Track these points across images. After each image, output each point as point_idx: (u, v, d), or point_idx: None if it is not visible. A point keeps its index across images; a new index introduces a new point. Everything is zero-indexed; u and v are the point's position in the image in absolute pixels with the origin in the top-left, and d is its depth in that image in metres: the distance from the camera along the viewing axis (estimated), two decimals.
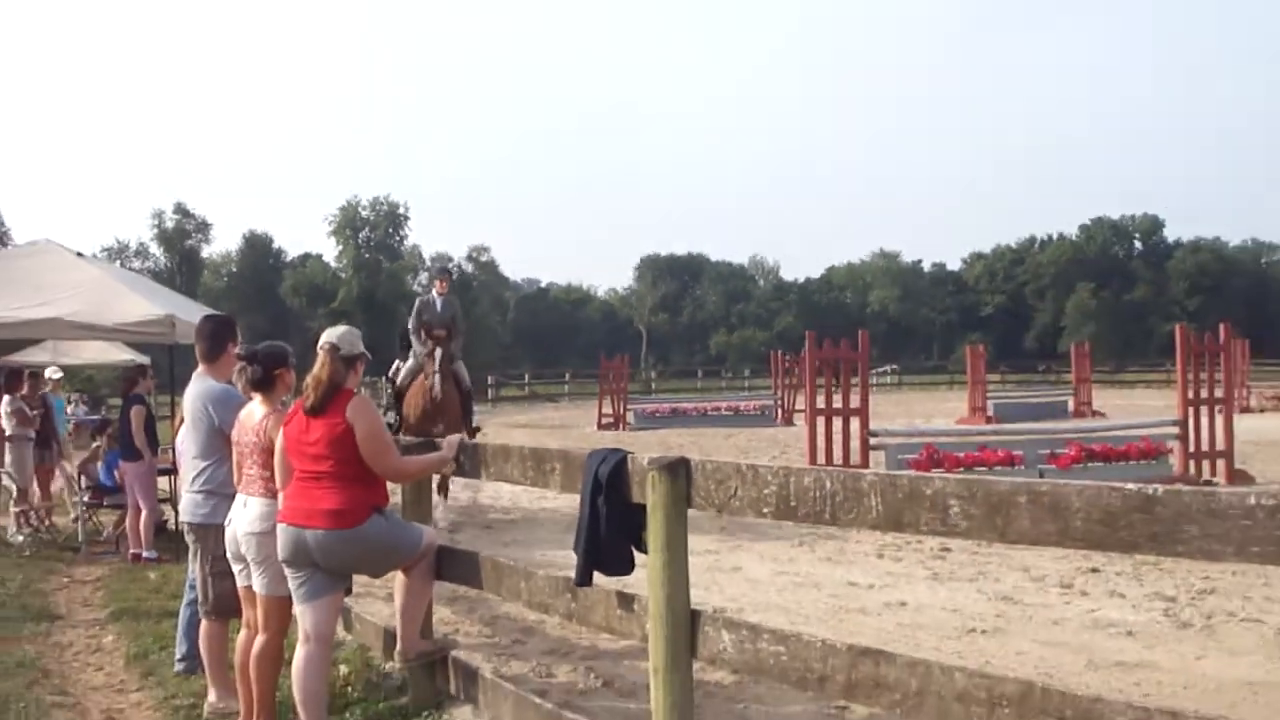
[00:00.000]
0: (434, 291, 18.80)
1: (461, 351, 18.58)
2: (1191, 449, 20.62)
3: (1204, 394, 20.94)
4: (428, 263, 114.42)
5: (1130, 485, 4.10)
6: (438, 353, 16.62)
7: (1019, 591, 11.88)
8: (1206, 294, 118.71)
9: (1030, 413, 39.25)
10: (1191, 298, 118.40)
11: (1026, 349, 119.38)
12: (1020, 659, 9.02)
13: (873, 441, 20.08)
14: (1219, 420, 20.89)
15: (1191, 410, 20.76)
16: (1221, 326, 23.15)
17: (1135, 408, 40.43)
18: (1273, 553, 3.70)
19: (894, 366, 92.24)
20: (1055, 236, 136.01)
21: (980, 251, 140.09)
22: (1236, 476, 20.24)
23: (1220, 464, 20.63)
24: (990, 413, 39.81)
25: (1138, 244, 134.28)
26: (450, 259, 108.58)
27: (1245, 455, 22.06)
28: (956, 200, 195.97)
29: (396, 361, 19.48)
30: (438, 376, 16.51)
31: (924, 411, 45.34)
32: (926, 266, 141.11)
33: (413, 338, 18.05)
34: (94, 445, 17.84)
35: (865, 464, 19.15)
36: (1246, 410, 39.54)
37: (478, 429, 18.04)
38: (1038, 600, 11.48)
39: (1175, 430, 20.95)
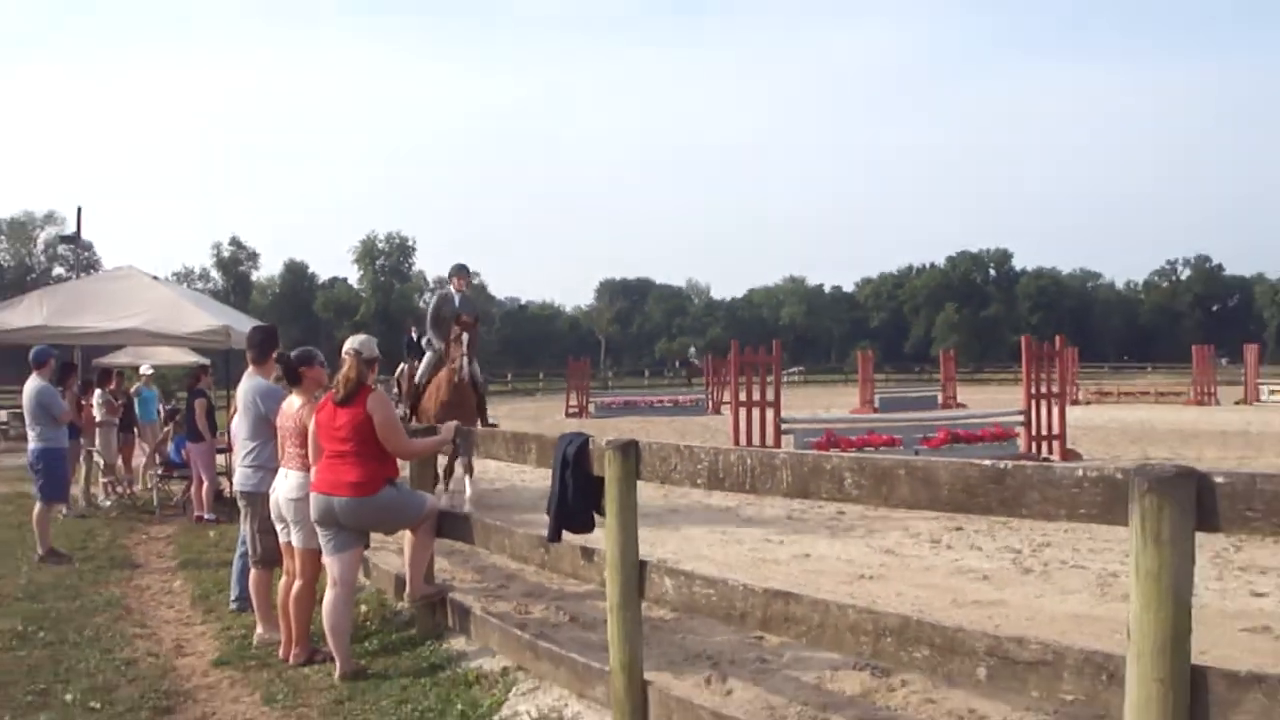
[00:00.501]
0: (451, 288, 15.24)
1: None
2: (1033, 433, 20.76)
3: (1043, 390, 21.07)
4: (430, 284, 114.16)
5: (986, 461, 4.13)
6: (465, 338, 13.59)
7: (899, 546, 11.92)
8: (1045, 311, 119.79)
9: (908, 405, 39.42)
10: (1034, 314, 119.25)
11: (905, 354, 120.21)
12: (900, 598, 9.05)
13: (784, 427, 20.17)
14: (1055, 410, 21.03)
15: (1033, 403, 20.89)
16: (1057, 337, 23.33)
17: (990, 401, 40.60)
18: (1096, 514, 3.73)
19: (800, 368, 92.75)
20: (928, 265, 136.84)
21: (869, 277, 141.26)
22: (1069, 454, 20.37)
23: (1056, 445, 20.77)
24: (876, 404, 39.95)
25: (992, 272, 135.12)
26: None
27: (1074, 438, 22.23)
28: (852, 234, 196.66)
29: (402, 365, 18.92)
30: (465, 359, 13.55)
31: (824, 404, 45.43)
32: (827, 288, 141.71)
33: (430, 332, 14.81)
34: (164, 430, 17.84)
35: (778, 445, 19.21)
36: (1075, 403, 39.86)
37: (494, 425, 14.46)
38: (913, 552, 11.53)
39: (1021, 418, 21.09)
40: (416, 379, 14.44)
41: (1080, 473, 3.81)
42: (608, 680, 5.88)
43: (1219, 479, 3.49)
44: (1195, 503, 3.49)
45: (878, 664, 6.50)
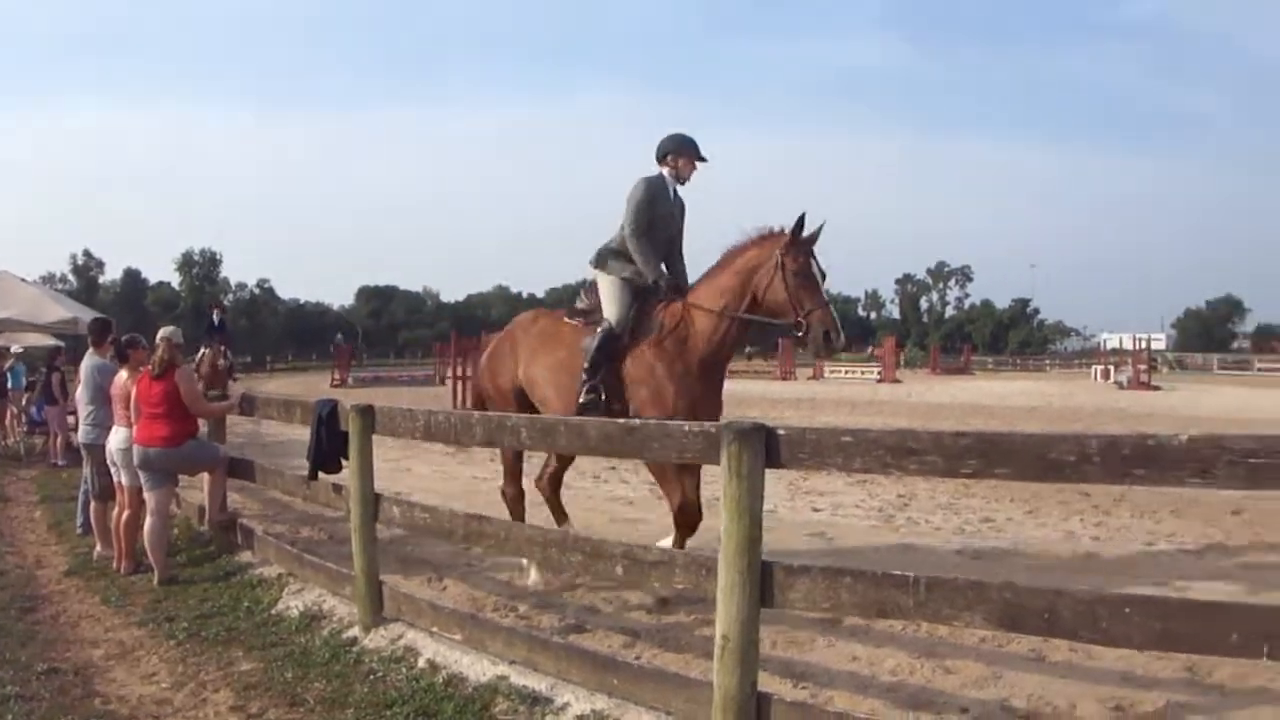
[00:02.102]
0: (665, 172, 6.10)
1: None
2: None
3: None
4: (232, 287, 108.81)
5: (622, 420, 4.18)
6: (815, 268, 5.59)
7: (571, 480, 11.85)
8: None
9: None
10: None
11: None
12: (572, 518, 9.09)
13: None
14: None
15: None
16: None
17: None
18: (700, 456, 3.86)
19: None
20: None
21: (555, 286, 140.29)
22: None
23: None
24: None
25: None
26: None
27: None
28: (543, 255, 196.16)
29: (203, 350, 17.35)
30: (836, 321, 5.53)
31: None
32: (524, 294, 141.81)
33: (633, 241, 6.00)
34: (27, 396, 16.90)
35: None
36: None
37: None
38: (581, 485, 11.56)
39: None
40: (620, 327, 6.00)
41: (688, 428, 3.92)
42: (353, 581, 5.71)
43: (781, 431, 3.63)
44: (765, 448, 3.62)
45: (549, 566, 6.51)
